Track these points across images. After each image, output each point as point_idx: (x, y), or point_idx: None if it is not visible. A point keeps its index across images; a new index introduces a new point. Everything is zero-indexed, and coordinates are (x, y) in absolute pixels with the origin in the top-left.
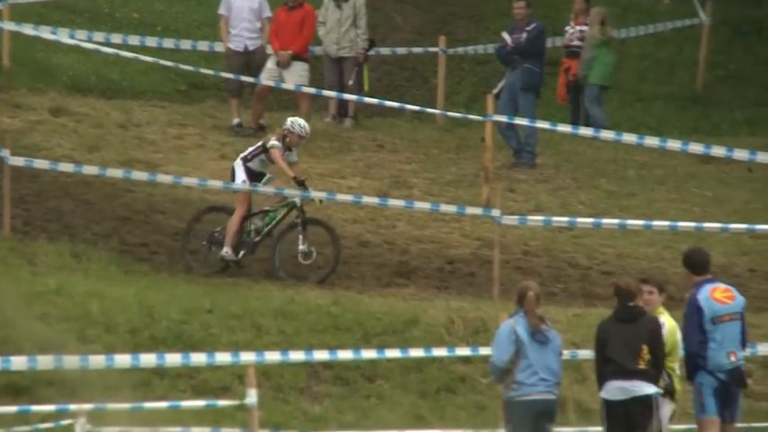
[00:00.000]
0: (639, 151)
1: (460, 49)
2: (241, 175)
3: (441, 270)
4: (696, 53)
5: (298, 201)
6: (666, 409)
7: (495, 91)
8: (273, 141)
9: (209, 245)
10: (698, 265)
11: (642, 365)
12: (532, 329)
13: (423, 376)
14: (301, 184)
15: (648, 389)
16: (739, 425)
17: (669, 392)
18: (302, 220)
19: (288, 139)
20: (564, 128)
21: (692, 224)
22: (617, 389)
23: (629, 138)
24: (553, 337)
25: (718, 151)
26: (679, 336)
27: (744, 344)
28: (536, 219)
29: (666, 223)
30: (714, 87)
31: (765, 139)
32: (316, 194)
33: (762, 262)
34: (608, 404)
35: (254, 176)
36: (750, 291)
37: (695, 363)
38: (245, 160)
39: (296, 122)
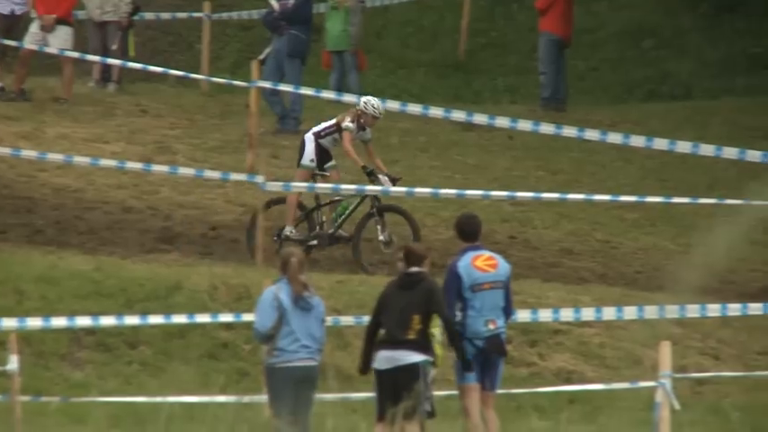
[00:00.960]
0: (402, 118)
1: (225, 15)
2: (310, 153)
3: (204, 236)
4: (458, 21)
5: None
6: (429, 374)
7: (261, 57)
8: (347, 123)
9: (279, 241)
10: (467, 232)
11: (412, 335)
12: (295, 296)
13: (185, 342)
14: (371, 174)
15: (416, 357)
16: (499, 391)
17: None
18: (378, 208)
19: (362, 120)
20: (328, 94)
21: (454, 191)
22: (385, 358)
23: (392, 105)
24: (316, 303)
25: (480, 119)
26: None
27: (508, 312)
28: (300, 185)
29: (428, 190)
30: (475, 55)
31: (526, 107)
32: (386, 187)
33: (522, 229)
34: (377, 373)
35: (322, 154)
36: (510, 258)
37: (454, 329)
38: (317, 136)
39: (369, 103)
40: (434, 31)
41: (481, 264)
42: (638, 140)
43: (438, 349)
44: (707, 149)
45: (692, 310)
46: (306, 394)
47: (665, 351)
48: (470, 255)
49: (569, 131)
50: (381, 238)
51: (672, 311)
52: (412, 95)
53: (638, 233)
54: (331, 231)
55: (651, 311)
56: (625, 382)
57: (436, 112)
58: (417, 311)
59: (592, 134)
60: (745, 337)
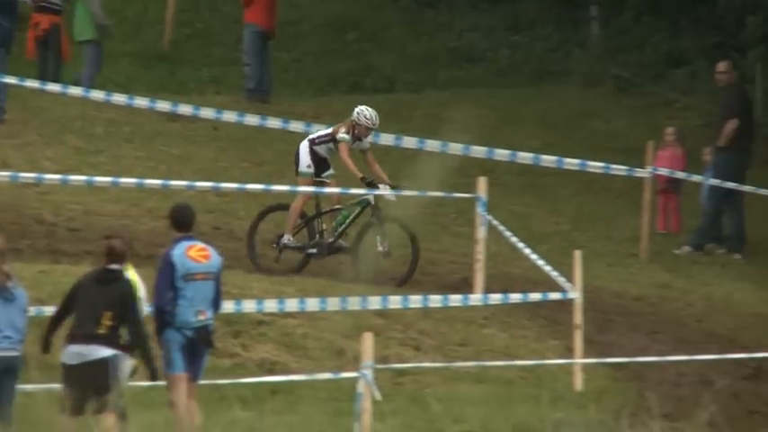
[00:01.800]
0: (107, 108)
1: None
2: (306, 160)
3: None
4: (162, 11)
5: (371, 199)
6: (126, 365)
7: None
8: (342, 134)
9: (277, 248)
10: (181, 222)
11: (102, 330)
12: None
13: None
14: (369, 184)
15: (105, 352)
16: (202, 382)
17: (128, 348)
18: (378, 218)
19: (356, 131)
20: (32, 83)
21: (159, 182)
22: (73, 354)
23: (96, 95)
24: (19, 294)
25: (185, 109)
26: (141, 292)
27: (217, 304)
28: (2, 175)
29: (133, 180)
30: (180, 46)
31: (231, 98)
32: (385, 193)
33: (226, 220)
34: (65, 368)
35: (319, 162)
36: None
37: (164, 319)
38: (312, 143)
39: (362, 113)
40: (138, 21)
41: (195, 254)
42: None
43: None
44: (409, 142)
45: (394, 302)
46: (7, 384)
47: (367, 342)
48: (184, 245)
49: (274, 123)
50: (380, 248)
51: (374, 303)
52: (117, 85)
53: None
54: (330, 240)
55: (354, 303)
56: (327, 372)
57: (141, 102)
58: (110, 308)
59: (296, 125)
60: (446, 328)
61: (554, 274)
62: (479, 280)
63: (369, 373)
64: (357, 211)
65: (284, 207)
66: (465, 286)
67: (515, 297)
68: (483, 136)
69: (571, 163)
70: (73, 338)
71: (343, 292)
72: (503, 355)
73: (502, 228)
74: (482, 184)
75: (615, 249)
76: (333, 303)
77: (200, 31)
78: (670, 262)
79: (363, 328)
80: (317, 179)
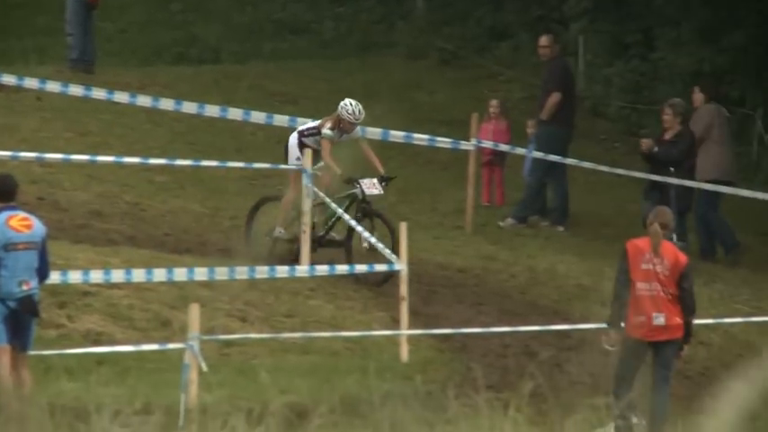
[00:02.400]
0: None
1: None
2: (296, 152)
3: None
4: None
5: (359, 193)
6: None
7: None
8: (326, 130)
9: (271, 240)
10: (2, 192)
11: None
12: None
13: None
14: (349, 182)
15: None
16: (31, 353)
17: None
18: (364, 212)
19: (341, 125)
20: None
21: None
22: None
23: None
24: None
25: (8, 79)
26: None
27: (42, 274)
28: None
29: None
30: (4, 15)
31: (54, 68)
32: (368, 190)
33: (50, 190)
34: None
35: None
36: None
37: None
38: (301, 134)
39: (345, 108)
40: None
41: (16, 224)
42: (167, 103)
43: None
44: (235, 113)
45: (221, 273)
46: None
47: (194, 313)
48: (5, 214)
49: (98, 93)
50: (365, 245)
51: (200, 274)
52: None
53: (167, 196)
54: (321, 234)
55: (180, 274)
56: (154, 343)
57: None
58: None
59: (121, 96)
60: (272, 299)
61: (380, 246)
62: (306, 251)
63: (195, 344)
64: (346, 204)
65: (277, 198)
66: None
67: (341, 269)
68: (308, 108)
69: (396, 135)
70: None
71: (170, 263)
72: (329, 327)
73: (328, 200)
74: (308, 155)
75: (440, 222)
76: (159, 274)
77: (23, 1)
78: (494, 234)
79: (190, 299)
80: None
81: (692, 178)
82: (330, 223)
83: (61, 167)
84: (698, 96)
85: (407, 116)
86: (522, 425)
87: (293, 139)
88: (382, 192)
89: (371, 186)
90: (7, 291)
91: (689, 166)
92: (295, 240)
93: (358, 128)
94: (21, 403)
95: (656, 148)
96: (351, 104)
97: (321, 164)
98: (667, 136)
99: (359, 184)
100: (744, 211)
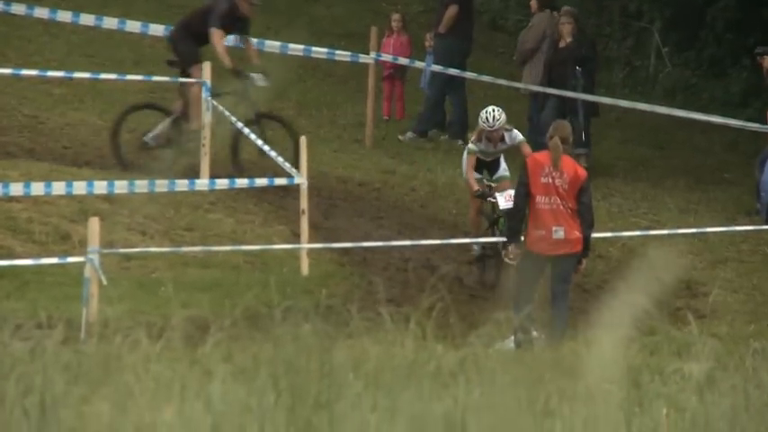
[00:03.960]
0: None
1: None
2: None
3: None
4: None
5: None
6: None
7: None
8: (471, 144)
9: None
10: None
11: None
12: None
13: None
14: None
15: None
16: None
17: None
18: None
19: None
20: None
21: None
22: None
23: None
24: None
25: None
26: None
27: None
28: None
29: None
30: None
31: None
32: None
33: None
34: None
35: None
36: None
37: None
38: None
39: (480, 117)
40: None
41: None
42: (64, 15)
43: None
44: (133, 26)
45: (120, 186)
46: None
47: (93, 226)
48: None
49: None
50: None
51: (100, 187)
52: None
53: (66, 108)
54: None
55: (79, 187)
56: (54, 257)
57: None
58: None
59: (18, 8)
60: (172, 213)
61: (279, 159)
62: (205, 165)
63: (95, 257)
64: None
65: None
66: (190, 171)
67: (242, 182)
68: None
69: (295, 48)
70: None
71: (69, 176)
72: (229, 241)
73: (227, 113)
74: (207, 68)
75: (340, 135)
76: (58, 188)
77: None
78: (394, 148)
79: (89, 212)
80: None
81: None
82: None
83: None
84: (533, 4)
85: (306, 30)
86: (423, 339)
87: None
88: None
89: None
90: None
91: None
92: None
93: (513, 132)
94: None
95: None
96: (485, 112)
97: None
98: (564, 44)
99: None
100: (642, 126)
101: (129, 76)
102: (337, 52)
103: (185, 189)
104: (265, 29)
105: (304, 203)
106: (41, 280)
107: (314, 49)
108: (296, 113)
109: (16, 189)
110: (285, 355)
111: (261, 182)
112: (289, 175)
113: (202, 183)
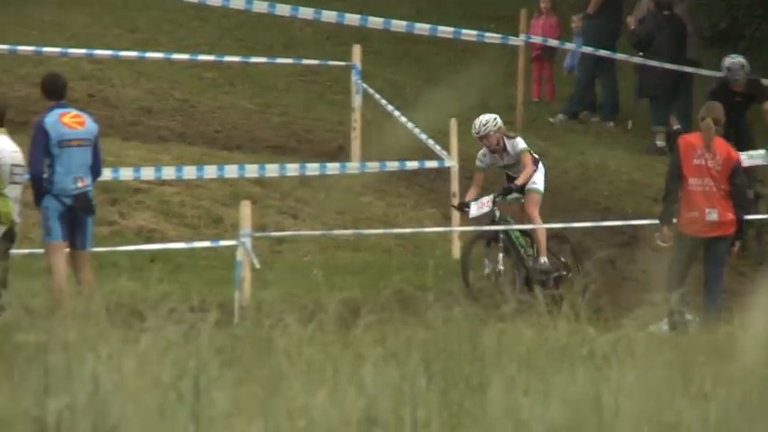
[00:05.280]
0: None
1: None
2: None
3: None
4: None
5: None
6: None
7: None
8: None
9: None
10: (52, 90)
11: None
12: None
13: None
14: None
15: None
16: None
17: None
18: None
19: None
20: None
21: (32, 48)
22: None
23: None
24: None
25: None
26: (0, 157)
27: (96, 171)
28: None
29: (5, 47)
30: None
31: None
32: None
33: (100, 87)
34: None
35: None
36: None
37: (41, 186)
38: None
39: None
40: None
41: (69, 121)
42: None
43: (5, 207)
44: (283, 9)
45: (272, 170)
46: None
47: (245, 210)
48: (57, 112)
49: None
50: None
51: (252, 171)
52: None
53: (217, 92)
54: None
55: (231, 171)
56: (206, 240)
57: None
58: None
59: None
60: (323, 196)
61: (430, 142)
62: (356, 148)
63: (247, 241)
64: None
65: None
66: (342, 154)
67: (392, 165)
68: (355, 4)
69: (445, 31)
70: None
71: (220, 160)
72: (380, 224)
73: (377, 96)
74: (356, 52)
75: None
76: (210, 171)
77: None
78: (545, 130)
79: (241, 196)
80: None
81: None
82: None
83: (110, 64)
84: None
85: (456, 12)
86: (576, 321)
87: None
88: None
89: None
90: (62, 187)
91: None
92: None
93: (515, 140)
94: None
95: None
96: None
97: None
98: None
99: None
100: None
101: (279, 60)
102: (487, 35)
103: (336, 172)
104: (415, 12)
105: (455, 186)
106: (194, 263)
107: (463, 31)
108: (447, 96)
109: (168, 173)
110: (437, 338)
111: (412, 165)
112: (439, 158)
113: (353, 166)
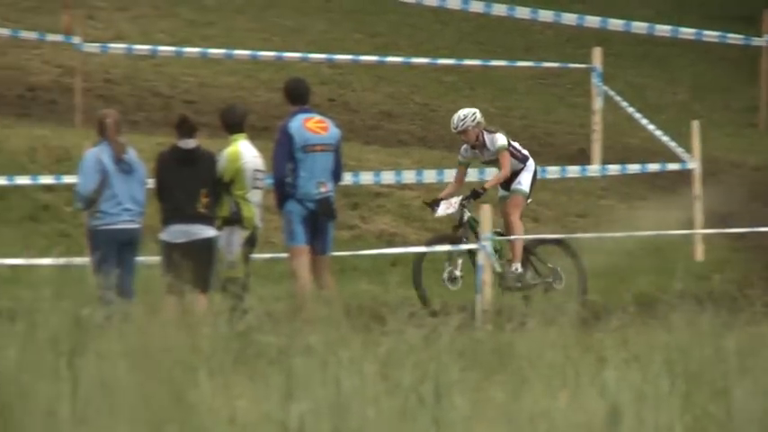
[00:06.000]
0: None
1: None
2: None
3: (22, 97)
4: None
5: None
6: (237, 236)
7: None
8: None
9: None
10: (296, 95)
11: (201, 209)
12: (117, 157)
13: (6, 204)
14: None
15: (209, 232)
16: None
17: (237, 221)
18: None
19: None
20: None
21: (273, 54)
22: (180, 232)
23: None
24: (137, 166)
25: None
26: (243, 162)
27: (337, 176)
28: (118, 47)
29: (247, 53)
30: None
31: None
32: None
33: (340, 92)
34: (168, 246)
35: None
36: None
37: (284, 191)
38: None
39: None
40: None
41: (313, 126)
42: (454, 2)
43: (247, 211)
44: (523, 12)
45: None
46: (128, 258)
47: (486, 214)
48: (301, 117)
49: None
50: None
51: (491, 174)
52: None
53: (456, 96)
54: None
55: (471, 174)
56: (447, 244)
57: None
58: (204, 186)
59: None
60: (564, 199)
61: (672, 144)
62: (597, 151)
63: (488, 244)
64: None
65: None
66: (582, 157)
67: (633, 168)
68: (596, 6)
69: (687, 32)
70: (175, 218)
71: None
72: (622, 227)
73: (618, 98)
74: (597, 54)
75: (733, 119)
76: (450, 175)
77: None
78: None
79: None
80: None
81: None
82: None
83: (350, 69)
84: None
85: (697, 12)
86: None
87: None
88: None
89: None
90: (305, 192)
91: None
92: None
93: (495, 135)
94: (324, 305)
95: None
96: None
97: None
98: None
99: None
100: None
101: (519, 63)
102: (729, 35)
103: (576, 175)
104: (655, 13)
105: (697, 189)
106: (435, 267)
107: (705, 32)
108: (688, 97)
109: (408, 177)
110: (680, 342)
111: (653, 167)
112: (681, 160)
113: (594, 168)
